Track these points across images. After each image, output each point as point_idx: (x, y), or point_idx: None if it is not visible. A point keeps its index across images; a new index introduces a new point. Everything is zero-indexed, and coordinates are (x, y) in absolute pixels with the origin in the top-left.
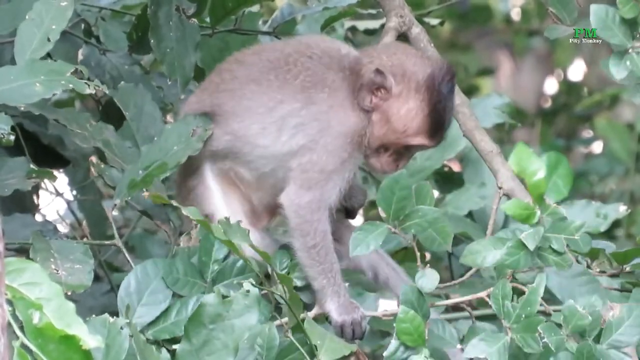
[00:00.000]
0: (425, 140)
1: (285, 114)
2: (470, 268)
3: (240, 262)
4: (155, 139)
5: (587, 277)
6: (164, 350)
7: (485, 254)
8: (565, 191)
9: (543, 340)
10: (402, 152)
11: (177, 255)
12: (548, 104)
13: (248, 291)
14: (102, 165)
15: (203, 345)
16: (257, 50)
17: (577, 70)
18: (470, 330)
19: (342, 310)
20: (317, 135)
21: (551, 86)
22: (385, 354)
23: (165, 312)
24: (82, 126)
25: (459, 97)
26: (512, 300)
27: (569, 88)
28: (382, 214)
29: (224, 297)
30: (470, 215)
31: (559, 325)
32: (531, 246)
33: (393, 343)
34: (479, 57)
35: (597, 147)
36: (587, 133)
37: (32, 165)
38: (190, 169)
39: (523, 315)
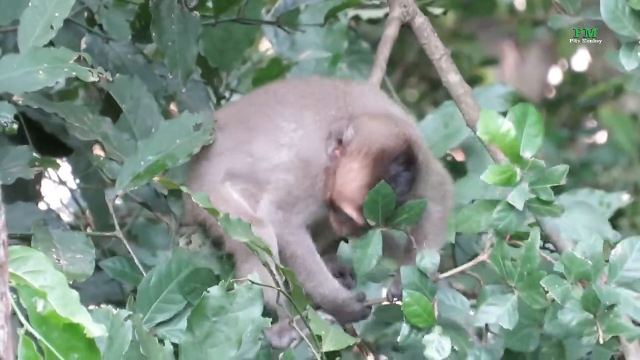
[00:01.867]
0: (354, 212)
1: (284, 132)
2: (473, 257)
3: None
4: (153, 130)
5: (582, 207)
6: (167, 342)
7: (478, 218)
8: (539, 141)
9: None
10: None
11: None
12: (552, 94)
13: (252, 284)
14: (102, 158)
15: (206, 337)
16: (308, 79)
17: (581, 61)
18: (482, 294)
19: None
20: (294, 157)
21: (555, 76)
22: (399, 339)
23: (180, 314)
24: (80, 119)
25: (462, 87)
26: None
27: (573, 78)
28: (372, 223)
29: (227, 289)
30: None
31: (564, 275)
32: (519, 206)
33: (404, 327)
34: (483, 47)
35: (601, 137)
36: (591, 123)
37: (34, 154)
38: (211, 190)
39: (525, 273)
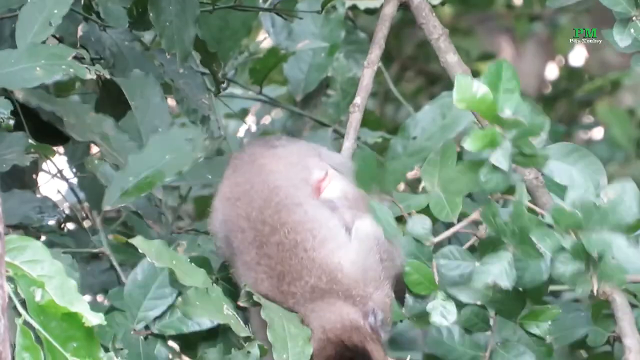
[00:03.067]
0: None
1: None
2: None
3: None
4: (160, 130)
5: (578, 153)
6: None
7: (463, 179)
8: (516, 97)
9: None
10: None
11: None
12: (549, 90)
13: (249, 352)
14: (96, 161)
15: None
16: None
17: (578, 56)
18: (482, 244)
19: None
20: None
21: (552, 71)
22: (404, 311)
23: (172, 306)
24: (81, 118)
25: (460, 68)
26: None
27: (569, 73)
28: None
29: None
30: (470, 195)
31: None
32: (504, 166)
33: (408, 298)
34: (480, 42)
35: (597, 133)
36: (588, 119)
37: (30, 141)
38: None
39: (516, 229)
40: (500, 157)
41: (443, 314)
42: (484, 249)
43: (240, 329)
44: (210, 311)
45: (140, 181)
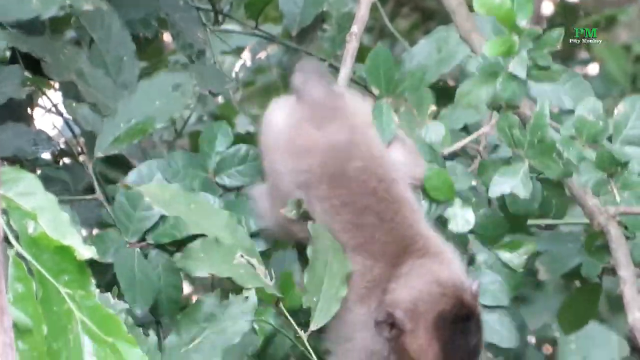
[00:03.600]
0: None
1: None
2: None
3: (242, 150)
4: (125, 59)
5: (573, 80)
6: (151, 334)
7: (479, 90)
8: (530, 7)
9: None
10: None
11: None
12: (544, 26)
13: (247, 297)
14: (74, 104)
15: (191, 341)
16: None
17: None
18: (481, 165)
19: None
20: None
21: (547, 8)
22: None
23: (164, 217)
24: (56, 56)
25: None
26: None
27: (565, 10)
28: (376, 92)
29: (221, 299)
30: (465, 129)
31: (571, 139)
32: (522, 74)
33: (424, 204)
34: None
35: (593, 68)
36: (584, 55)
37: (26, 74)
38: None
39: (536, 141)
40: (517, 65)
41: (462, 221)
42: (483, 168)
43: (247, 280)
44: (215, 263)
45: (131, 127)
